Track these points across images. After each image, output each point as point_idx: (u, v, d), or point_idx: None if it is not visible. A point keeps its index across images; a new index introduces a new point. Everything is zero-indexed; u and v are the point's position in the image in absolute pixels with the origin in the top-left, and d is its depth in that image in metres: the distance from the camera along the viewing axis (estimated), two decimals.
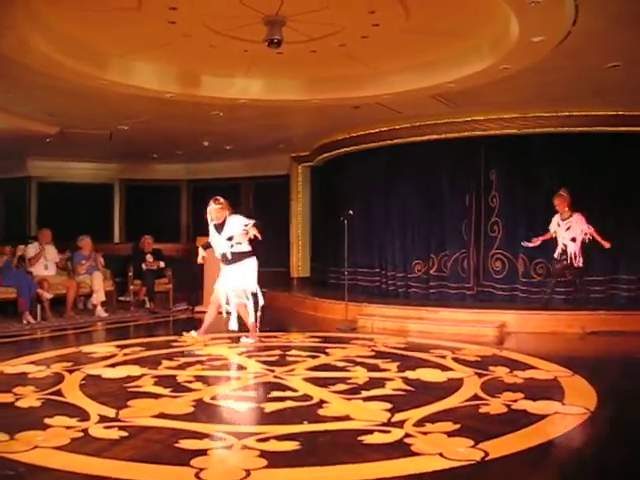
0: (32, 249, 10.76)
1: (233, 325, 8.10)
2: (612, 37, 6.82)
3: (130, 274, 11.93)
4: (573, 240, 9.31)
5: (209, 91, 9.34)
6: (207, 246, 8.39)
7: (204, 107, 9.96)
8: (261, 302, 8.14)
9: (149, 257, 12.27)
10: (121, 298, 12.17)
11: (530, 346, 8.02)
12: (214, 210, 8.09)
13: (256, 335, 8.17)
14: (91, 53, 8.07)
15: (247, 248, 8.15)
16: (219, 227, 8.08)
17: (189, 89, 9.24)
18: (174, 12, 6.84)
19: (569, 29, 6.53)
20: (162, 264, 12.25)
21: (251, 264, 8.15)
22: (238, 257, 8.06)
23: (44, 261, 10.73)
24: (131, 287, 11.97)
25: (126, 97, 9.23)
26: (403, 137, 11.32)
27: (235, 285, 8.10)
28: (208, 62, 8.71)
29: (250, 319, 8.15)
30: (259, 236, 7.92)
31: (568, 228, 9.36)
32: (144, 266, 12.00)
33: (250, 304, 8.15)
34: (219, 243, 8.12)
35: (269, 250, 15.21)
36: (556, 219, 9.51)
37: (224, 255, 8.09)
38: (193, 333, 8.32)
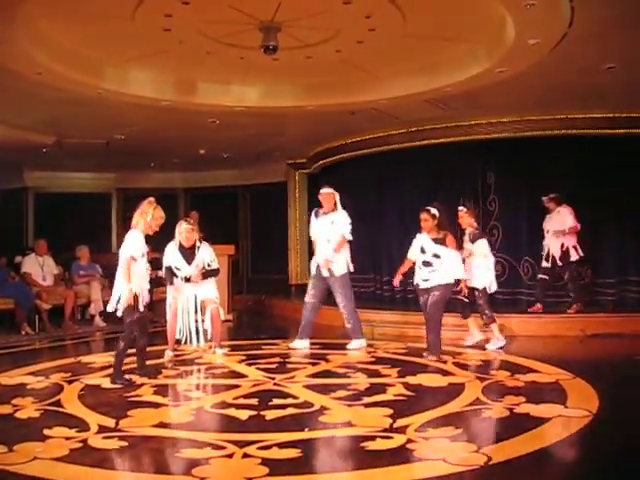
0: (29, 261, 10.69)
1: (201, 340, 7.59)
2: (607, 39, 6.84)
3: None
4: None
5: (205, 98, 9.35)
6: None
7: (200, 115, 9.96)
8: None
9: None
10: None
11: (531, 349, 7.97)
12: (185, 230, 7.39)
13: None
14: (87, 62, 8.07)
15: (216, 265, 7.80)
16: (186, 252, 7.43)
17: (185, 97, 9.24)
18: (169, 19, 6.82)
19: (565, 31, 6.55)
20: (160, 273, 12.16)
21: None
22: (205, 275, 7.66)
23: (42, 272, 10.67)
24: None
25: (122, 105, 9.23)
26: (400, 142, 11.30)
27: (208, 295, 7.65)
28: (204, 69, 8.71)
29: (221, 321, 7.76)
30: None
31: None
32: None
33: (220, 309, 7.74)
34: (186, 269, 7.55)
35: (268, 257, 15.37)
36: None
37: (187, 278, 7.57)
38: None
